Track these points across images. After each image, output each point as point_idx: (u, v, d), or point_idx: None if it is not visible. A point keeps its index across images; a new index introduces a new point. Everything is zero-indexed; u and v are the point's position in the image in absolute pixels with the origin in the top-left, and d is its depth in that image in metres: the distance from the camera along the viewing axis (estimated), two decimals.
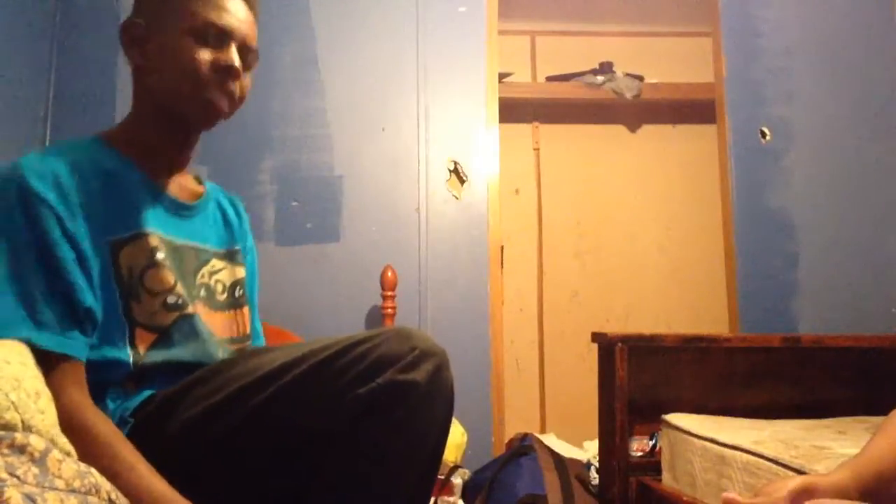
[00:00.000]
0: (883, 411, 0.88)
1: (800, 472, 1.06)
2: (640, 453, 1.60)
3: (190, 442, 0.81)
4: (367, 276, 2.21)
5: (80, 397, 0.79)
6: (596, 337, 1.61)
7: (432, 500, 1.71)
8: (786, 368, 1.68)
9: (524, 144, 3.16)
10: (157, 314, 0.89)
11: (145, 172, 0.96)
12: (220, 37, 0.93)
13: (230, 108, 0.96)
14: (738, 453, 1.23)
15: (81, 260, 0.83)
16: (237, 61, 0.93)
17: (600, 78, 3.01)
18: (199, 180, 1.08)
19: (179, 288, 0.92)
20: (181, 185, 1.02)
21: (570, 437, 2.45)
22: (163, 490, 0.75)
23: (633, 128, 3.21)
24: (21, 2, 2.08)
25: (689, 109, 3.06)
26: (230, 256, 1.07)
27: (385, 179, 2.32)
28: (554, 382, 3.03)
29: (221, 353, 0.96)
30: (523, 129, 3.17)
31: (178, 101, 0.93)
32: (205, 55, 0.91)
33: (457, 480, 1.86)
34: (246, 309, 1.07)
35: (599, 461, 1.61)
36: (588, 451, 2.14)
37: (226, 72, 0.92)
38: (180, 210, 0.99)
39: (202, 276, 0.99)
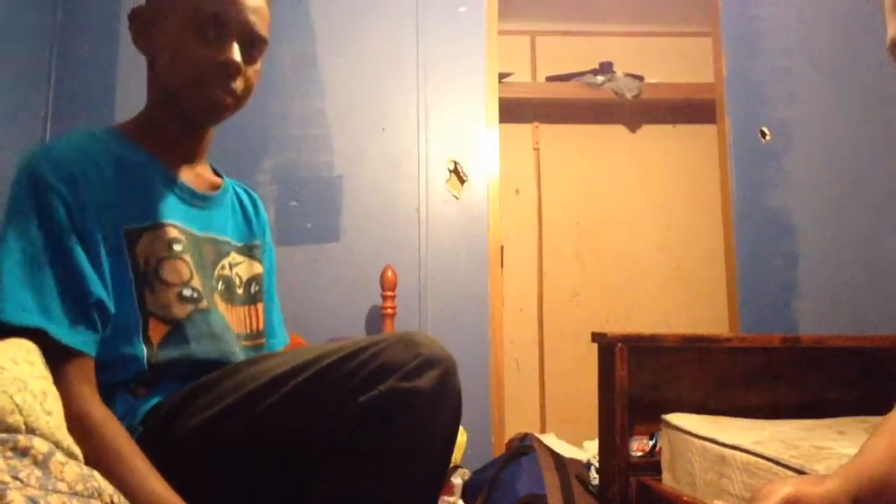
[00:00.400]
0: (883, 411, 0.88)
1: (800, 471, 1.06)
2: (640, 453, 1.60)
3: (193, 449, 0.80)
4: (367, 276, 2.21)
5: (88, 393, 0.78)
6: (596, 337, 1.61)
7: None
8: (786, 368, 1.68)
9: (524, 144, 3.17)
10: (171, 305, 0.88)
11: (162, 162, 0.94)
12: (220, 30, 0.90)
13: (235, 103, 0.94)
14: (738, 453, 1.23)
15: (92, 251, 0.82)
16: (237, 56, 0.90)
17: (600, 78, 3.01)
18: (216, 172, 1.07)
19: (196, 281, 0.91)
20: (199, 175, 1.01)
21: (570, 437, 2.45)
22: (166, 495, 0.74)
23: (633, 128, 3.21)
24: (21, 2, 2.08)
25: (689, 109, 3.07)
26: (249, 251, 1.05)
27: (385, 179, 2.32)
28: (554, 382, 3.03)
29: (237, 350, 0.95)
30: (523, 129, 3.17)
31: (181, 98, 0.92)
32: (203, 52, 0.89)
33: (457, 480, 1.86)
34: (261, 305, 1.05)
35: (599, 461, 1.61)
36: (588, 451, 2.14)
37: (224, 69, 0.90)
38: (199, 201, 0.98)
39: (222, 269, 0.98)
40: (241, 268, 1.02)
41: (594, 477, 1.78)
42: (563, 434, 2.53)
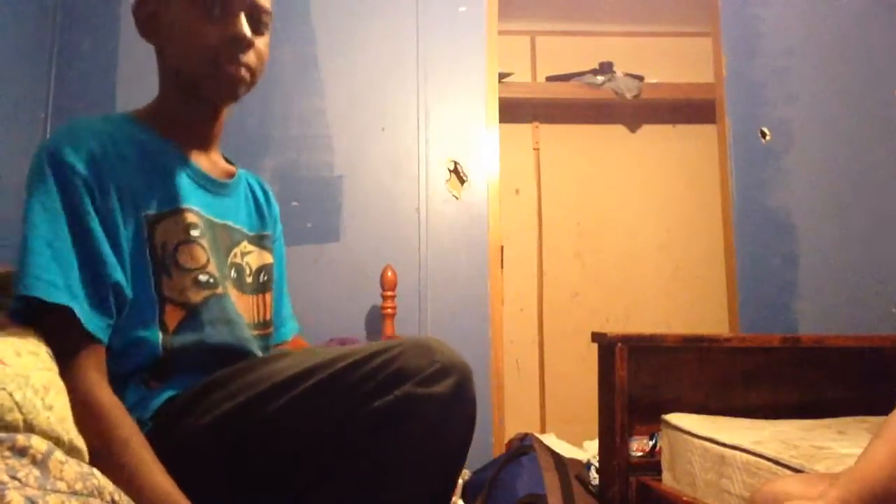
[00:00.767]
0: (883, 411, 0.88)
1: (799, 472, 1.06)
2: (640, 453, 1.60)
3: (202, 446, 0.80)
4: (367, 276, 2.21)
5: (97, 379, 0.78)
6: (596, 337, 1.61)
7: None
8: (786, 368, 1.68)
9: (524, 144, 3.16)
10: (186, 290, 0.88)
11: (179, 147, 0.95)
12: (225, 6, 0.90)
13: (250, 77, 0.93)
14: (738, 453, 1.23)
15: (112, 234, 0.83)
16: (246, 30, 0.90)
17: (600, 78, 3.01)
18: (229, 160, 1.07)
19: (212, 267, 0.91)
20: (214, 162, 1.01)
21: (570, 437, 2.45)
22: (170, 490, 0.74)
23: (633, 128, 3.21)
24: (21, 2, 2.08)
25: (689, 109, 3.06)
26: (260, 240, 1.06)
27: (385, 179, 2.32)
28: (554, 382, 3.03)
29: (250, 335, 0.95)
30: (523, 129, 3.17)
31: (195, 79, 0.91)
32: (211, 29, 0.89)
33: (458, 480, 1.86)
34: (269, 295, 1.06)
35: (599, 461, 1.61)
36: (588, 451, 2.14)
37: (235, 44, 0.90)
38: (215, 187, 0.98)
39: (234, 256, 0.98)
40: (251, 257, 1.02)
41: (594, 477, 1.78)
42: (563, 434, 2.53)
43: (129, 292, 0.83)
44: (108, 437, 0.74)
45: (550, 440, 2.29)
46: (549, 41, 3.26)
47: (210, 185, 0.97)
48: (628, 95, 2.99)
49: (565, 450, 2.15)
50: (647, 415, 1.59)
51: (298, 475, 0.80)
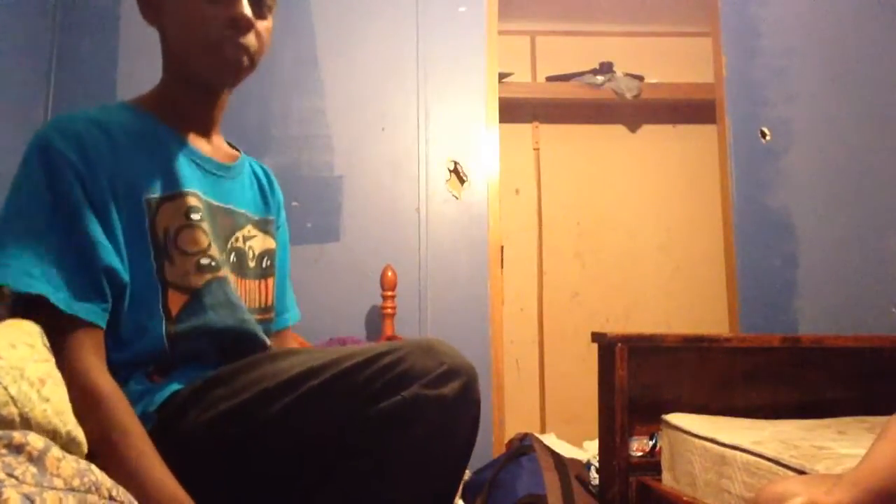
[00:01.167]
0: (883, 411, 0.88)
1: (800, 472, 1.06)
2: (640, 453, 1.60)
3: (204, 443, 0.80)
4: (367, 276, 2.21)
5: (95, 364, 0.78)
6: (596, 337, 1.61)
7: None
8: (786, 368, 1.68)
9: (524, 144, 3.16)
10: (189, 274, 0.87)
11: (178, 131, 0.94)
12: None
13: (250, 61, 0.92)
14: (738, 453, 1.23)
15: (104, 220, 0.82)
16: (247, 11, 0.89)
17: (600, 78, 3.01)
18: (232, 145, 1.06)
19: (213, 250, 0.91)
20: (216, 146, 1.00)
21: (570, 437, 2.45)
22: (170, 484, 0.73)
23: (633, 128, 3.21)
24: (21, 2, 2.08)
25: (689, 109, 3.07)
26: (263, 225, 1.05)
27: (385, 179, 2.32)
28: (554, 382, 3.03)
29: (251, 318, 0.95)
30: (523, 129, 3.17)
31: (195, 62, 0.90)
32: (211, 11, 0.88)
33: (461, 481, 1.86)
34: (272, 280, 1.05)
35: (599, 461, 1.60)
36: (588, 451, 2.14)
37: (236, 26, 0.88)
38: (218, 170, 0.98)
39: (235, 241, 0.98)
40: (254, 241, 1.02)
41: (594, 477, 1.78)
42: (563, 434, 2.53)
43: (125, 276, 0.83)
44: (108, 424, 0.74)
45: (550, 440, 2.29)
46: (549, 41, 3.26)
47: (211, 168, 0.97)
48: (628, 95, 2.99)
49: (565, 450, 2.15)
50: (647, 415, 1.58)
51: (301, 475, 0.79)
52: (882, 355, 1.73)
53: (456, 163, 2.35)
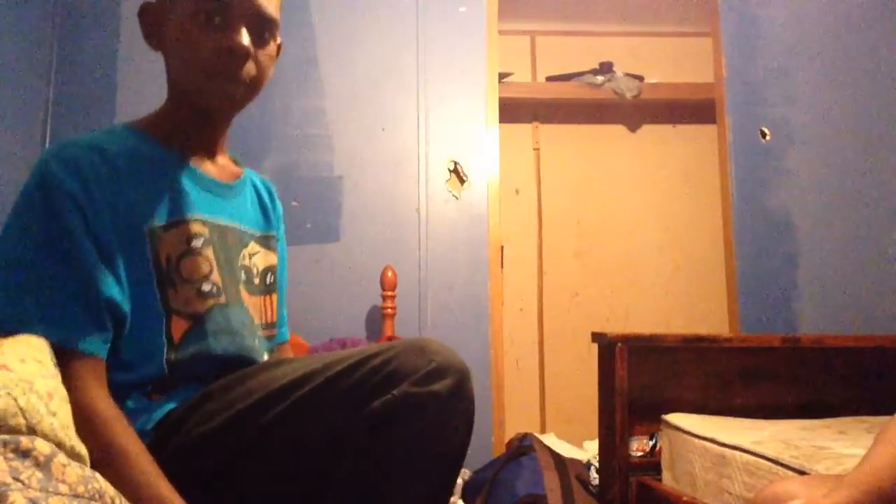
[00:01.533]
0: (883, 411, 0.88)
1: (800, 472, 1.06)
2: (640, 453, 1.60)
3: (202, 456, 0.80)
4: (367, 276, 2.21)
5: (95, 391, 0.77)
6: (596, 337, 1.61)
7: None
8: (786, 368, 1.68)
9: (524, 144, 3.17)
10: (191, 301, 0.87)
11: (182, 155, 0.93)
12: (226, 16, 0.87)
13: (248, 90, 0.91)
14: (738, 453, 1.23)
15: (104, 251, 0.81)
16: (245, 41, 0.87)
17: (600, 78, 3.01)
18: (236, 161, 1.06)
19: (215, 276, 0.91)
20: (220, 165, 1.00)
21: (570, 437, 2.45)
22: (172, 498, 0.74)
23: (633, 128, 3.21)
24: (21, 2, 2.08)
25: (689, 109, 3.07)
26: (265, 241, 1.05)
27: (385, 179, 2.32)
28: (554, 382, 3.03)
29: (256, 343, 0.95)
30: (523, 129, 3.17)
31: (194, 91, 0.90)
32: (208, 41, 0.87)
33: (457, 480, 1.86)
34: (275, 296, 1.05)
35: (599, 461, 1.61)
36: (588, 451, 2.14)
37: (232, 57, 0.87)
38: (221, 190, 0.97)
39: (243, 258, 0.98)
40: (258, 258, 1.02)
41: (594, 477, 1.78)
42: (563, 434, 2.53)
43: (125, 307, 0.82)
44: (109, 447, 0.74)
45: (550, 440, 2.29)
46: (549, 41, 3.26)
47: (216, 189, 0.96)
48: (628, 95, 2.99)
49: (565, 450, 2.16)
50: (647, 415, 1.59)
51: (298, 481, 0.80)
52: (882, 355, 1.73)
53: (456, 163, 2.35)
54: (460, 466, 0.84)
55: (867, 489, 0.75)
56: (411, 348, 0.78)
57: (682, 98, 3.03)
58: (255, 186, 1.08)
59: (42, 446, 0.56)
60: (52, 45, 2.24)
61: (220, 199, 0.97)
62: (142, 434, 0.80)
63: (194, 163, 0.95)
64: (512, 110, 2.91)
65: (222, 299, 0.91)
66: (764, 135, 2.43)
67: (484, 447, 2.18)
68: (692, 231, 3.07)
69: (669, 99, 3.07)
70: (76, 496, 0.55)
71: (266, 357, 0.98)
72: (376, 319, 2.20)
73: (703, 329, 2.59)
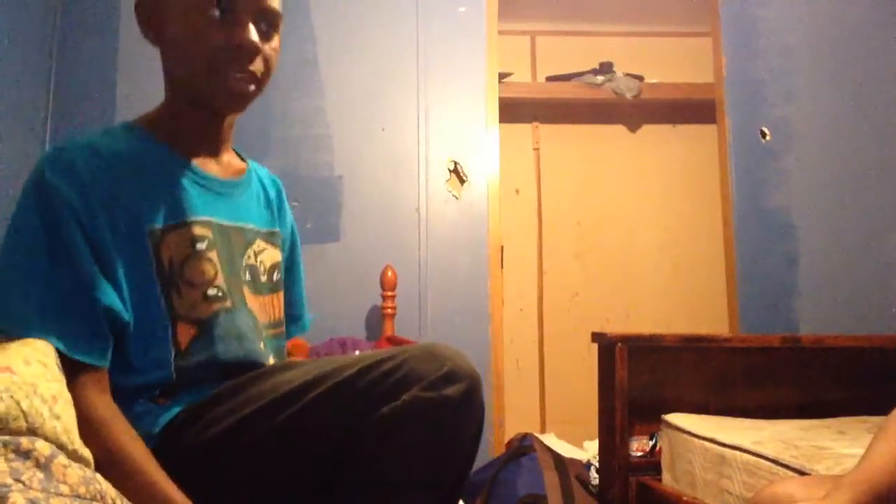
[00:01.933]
0: (883, 411, 0.88)
1: (800, 472, 1.06)
2: (640, 453, 1.60)
3: (210, 459, 0.79)
4: (367, 276, 2.21)
5: (97, 397, 0.77)
6: (596, 337, 1.61)
7: None
8: (786, 368, 1.68)
9: (524, 144, 3.17)
10: (196, 306, 0.86)
11: (185, 155, 0.91)
12: (231, 10, 0.84)
13: (256, 86, 0.89)
14: (738, 453, 1.23)
15: (103, 257, 0.79)
16: (253, 36, 0.85)
17: (600, 78, 3.01)
18: (241, 156, 1.04)
19: (220, 279, 0.89)
20: (224, 162, 0.97)
21: (570, 437, 2.45)
22: (177, 499, 0.74)
23: (633, 128, 3.21)
24: (21, 2, 2.08)
25: (689, 109, 3.07)
26: (270, 237, 1.03)
27: (385, 179, 2.32)
28: (554, 382, 3.03)
29: (262, 346, 0.94)
30: (523, 129, 3.17)
31: (199, 88, 0.87)
32: (215, 35, 0.84)
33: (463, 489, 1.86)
34: (281, 294, 1.03)
35: (599, 461, 1.61)
36: (588, 451, 2.14)
37: (242, 53, 0.85)
38: (225, 189, 0.95)
39: (248, 258, 0.96)
40: (265, 255, 1.00)
41: (594, 477, 1.79)
42: (563, 434, 2.53)
43: (126, 315, 0.81)
44: (111, 451, 0.74)
45: (550, 440, 2.29)
46: (549, 41, 3.26)
47: (219, 188, 0.94)
48: (628, 95, 2.99)
49: (565, 450, 2.16)
50: (647, 415, 1.59)
51: (307, 485, 0.79)
52: (882, 355, 1.73)
53: (456, 163, 2.35)
54: (469, 473, 0.83)
55: (866, 490, 0.75)
56: (423, 353, 0.77)
57: (682, 98, 3.03)
58: (260, 181, 1.06)
59: (43, 447, 0.56)
60: (52, 44, 2.24)
61: (224, 199, 0.94)
62: (148, 437, 0.80)
63: (196, 161, 0.92)
64: (512, 110, 2.91)
65: (228, 304, 0.89)
66: (764, 135, 2.43)
67: (484, 447, 2.17)
68: (692, 231, 3.07)
69: (669, 99, 3.07)
70: (77, 497, 0.55)
71: (272, 358, 0.97)
72: (376, 319, 2.20)
73: (703, 329, 2.59)
